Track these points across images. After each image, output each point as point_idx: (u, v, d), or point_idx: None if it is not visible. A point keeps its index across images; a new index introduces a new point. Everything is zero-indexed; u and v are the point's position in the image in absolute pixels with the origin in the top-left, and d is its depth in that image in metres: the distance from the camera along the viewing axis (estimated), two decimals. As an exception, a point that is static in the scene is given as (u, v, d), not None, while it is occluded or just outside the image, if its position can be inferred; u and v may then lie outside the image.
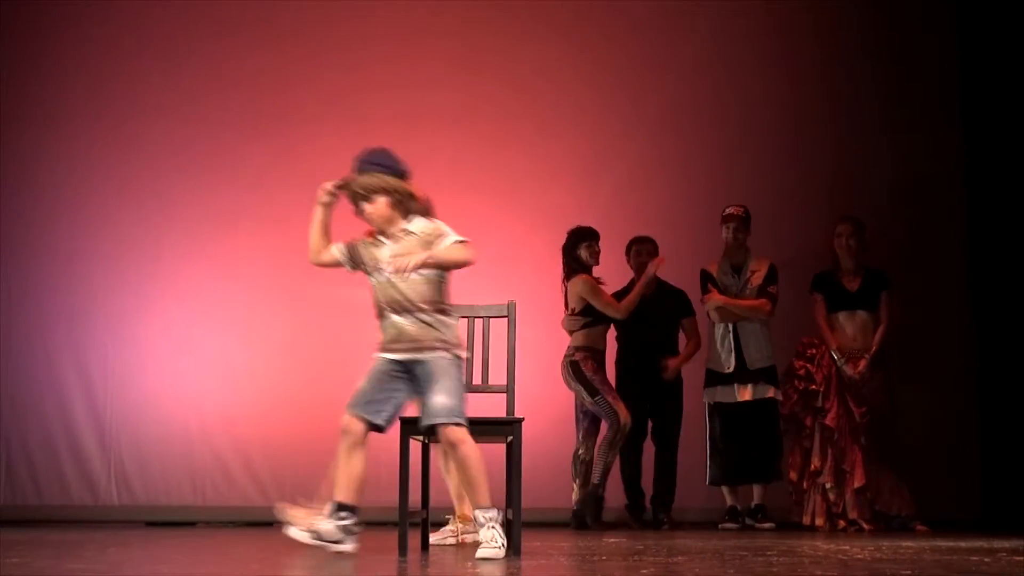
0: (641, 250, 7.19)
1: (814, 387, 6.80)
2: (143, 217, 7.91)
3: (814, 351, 6.90)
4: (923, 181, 7.86)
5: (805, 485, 6.76)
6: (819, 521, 6.68)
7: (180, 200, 7.93)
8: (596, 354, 6.90)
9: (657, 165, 8.01)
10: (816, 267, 7.11)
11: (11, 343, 7.79)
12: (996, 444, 7.45)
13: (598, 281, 6.97)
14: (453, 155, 7.95)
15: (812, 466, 6.73)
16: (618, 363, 7.13)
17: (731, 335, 6.99)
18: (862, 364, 6.80)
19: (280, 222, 7.80)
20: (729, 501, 6.98)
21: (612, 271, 7.19)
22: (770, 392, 6.91)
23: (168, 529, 6.82)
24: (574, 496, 6.88)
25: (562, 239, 7.10)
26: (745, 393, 6.92)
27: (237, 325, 7.81)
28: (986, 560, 4.07)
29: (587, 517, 6.73)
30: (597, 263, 7.00)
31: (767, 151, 7.92)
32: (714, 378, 7.02)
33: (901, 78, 7.97)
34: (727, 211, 7.09)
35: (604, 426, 6.88)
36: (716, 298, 7.01)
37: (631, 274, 7.22)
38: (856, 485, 6.63)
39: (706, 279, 7.08)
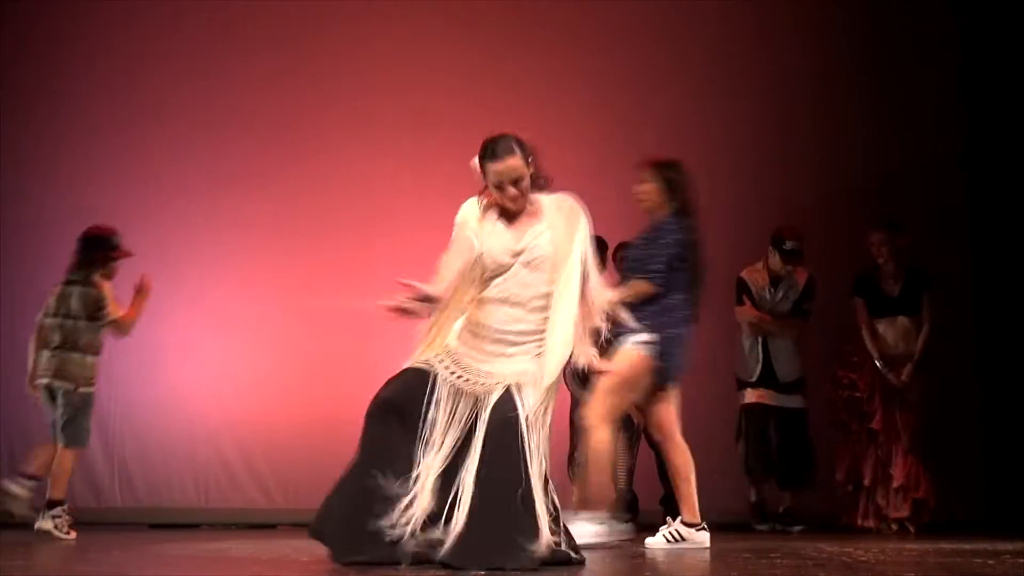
0: (626, 255, 7.18)
1: (858, 394, 6.85)
2: (147, 220, 7.91)
3: (856, 358, 6.92)
4: (926, 183, 7.86)
5: (851, 487, 6.81)
6: (871, 523, 6.70)
7: (185, 204, 7.94)
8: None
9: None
10: (844, 269, 7.12)
11: (15, 345, 7.77)
12: (998, 445, 7.45)
13: None
14: (460, 158, 7.94)
15: (861, 470, 6.77)
16: None
17: (759, 347, 7.01)
18: (905, 372, 6.79)
19: (285, 227, 7.82)
20: (754, 499, 7.01)
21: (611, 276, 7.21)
22: (800, 403, 6.94)
23: (172, 531, 6.82)
24: (575, 498, 6.88)
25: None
26: (772, 398, 6.95)
27: (241, 328, 7.81)
28: (989, 563, 4.07)
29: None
30: (602, 273, 6.99)
31: (776, 155, 7.94)
32: (742, 383, 7.05)
33: (906, 77, 7.99)
34: (788, 245, 6.93)
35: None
36: (749, 313, 7.01)
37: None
38: (895, 484, 6.67)
39: (742, 289, 7.06)
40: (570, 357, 6.78)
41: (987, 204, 7.78)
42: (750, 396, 7.01)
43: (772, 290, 7.05)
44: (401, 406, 3.92)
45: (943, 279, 7.49)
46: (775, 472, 7.00)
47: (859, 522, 6.76)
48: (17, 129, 8.04)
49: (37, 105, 8.09)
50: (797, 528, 6.78)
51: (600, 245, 7.11)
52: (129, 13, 8.15)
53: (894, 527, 6.67)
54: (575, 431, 7.03)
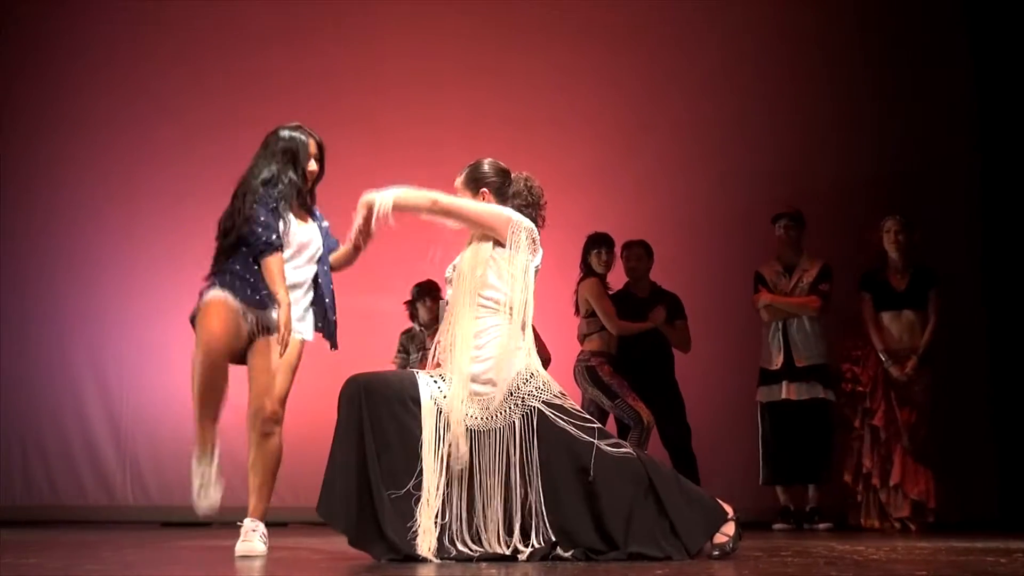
0: (630, 255, 7.20)
1: (861, 388, 6.85)
2: (158, 221, 7.97)
3: (859, 352, 6.93)
4: (937, 181, 7.87)
5: (860, 487, 6.78)
6: (874, 523, 6.71)
7: (194, 203, 7.97)
8: (610, 358, 6.90)
9: (673, 168, 8.03)
10: (853, 266, 7.13)
11: (28, 345, 7.84)
12: (1011, 443, 7.44)
13: (606, 288, 7.01)
14: (468, 159, 7.97)
15: (864, 468, 6.76)
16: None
17: (780, 333, 7.02)
18: (909, 365, 6.79)
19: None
20: (782, 501, 7.00)
21: (620, 275, 7.26)
22: (821, 392, 6.92)
23: (183, 529, 6.85)
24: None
25: (574, 243, 7.15)
26: (793, 391, 6.94)
27: None
28: (1002, 561, 4.06)
29: None
30: (607, 270, 7.01)
31: (789, 154, 7.96)
32: (764, 377, 7.05)
33: (915, 75, 8.00)
34: (780, 212, 7.14)
35: (612, 425, 6.92)
36: (764, 296, 7.05)
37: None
38: (893, 482, 6.67)
39: (758, 280, 7.14)
40: (585, 363, 6.86)
41: (999, 203, 7.76)
42: (769, 394, 7.02)
43: (786, 276, 7.09)
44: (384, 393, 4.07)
45: (955, 277, 7.48)
46: (793, 477, 7.00)
47: (864, 521, 6.75)
48: (25, 131, 8.12)
49: (44, 106, 8.16)
50: (824, 526, 6.78)
51: (602, 243, 7.14)
52: (133, 13, 8.21)
53: (897, 526, 6.66)
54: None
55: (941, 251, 7.53)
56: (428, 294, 7.09)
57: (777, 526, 6.86)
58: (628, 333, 6.92)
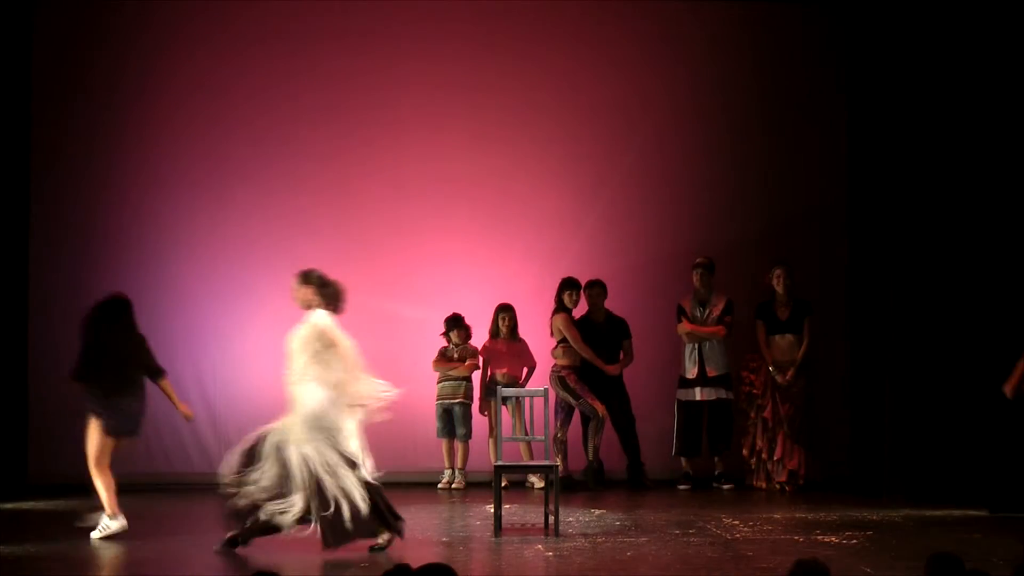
0: (592, 293, 9.51)
1: (755, 391, 9.35)
2: (180, 220, 9.30)
3: (754, 364, 9.39)
4: (813, 229, 9.75)
5: (753, 459, 9.30)
6: (763, 484, 9.24)
7: (261, 213, 9.45)
8: (576, 369, 9.36)
9: (629, 212, 9.81)
10: (752, 299, 9.32)
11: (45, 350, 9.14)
12: (860, 429, 9.42)
13: (572, 319, 9.34)
14: (472, 174, 9.81)
15: (756, 446, 9.27)
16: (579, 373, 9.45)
17: (696, 351, 9.39)
18: (789, 373, 9.19)
19: (313, 228, 9.42)
20: (684, 467, 9.51)
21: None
22: (724, 394, 9.40)
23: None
24: (560, 468, 8.97)
25: (552, 276, 9.40)
26: (704, 394, 9.40)
27: (262, 326, 9.15)
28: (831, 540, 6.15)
29: (590, 483, 9.27)
30: (575, 306, 9.35)
31: (702, 209, 9.84)
32: (683, 382, 9.47)
33: (798, 139, 9.69)
34: (696, 261, 9.37)
35: (578, 417, 9.45)
36: (685, 326, 9.42)
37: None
38: (776, 457, 9.18)
39: (680, 311, 9.44)
40: (557, 374, 9.35)
41: (862, 245, 9.40)
42: (686, 395, 9.46)
43: (701, 309, 9.48)
44: None
45: (824, 305, 9.52)
46: (708, 444, 9.41)
47: (755, 483, 9.30)
48: (57, 132, 9.14)
49: (78, 110, 9.19)
50: (728, 487, 9.28)
51: (573, 285, 9.33)
52: (167, 21, 9.32)
53: (777, 487, 9.17)
54: (557, 420, 9.26)
55: (815, 285, 9.56)
56: (456, 324, 9.36)
57: (681, 487, 9.34)
58: (588, 357, 9.33)
